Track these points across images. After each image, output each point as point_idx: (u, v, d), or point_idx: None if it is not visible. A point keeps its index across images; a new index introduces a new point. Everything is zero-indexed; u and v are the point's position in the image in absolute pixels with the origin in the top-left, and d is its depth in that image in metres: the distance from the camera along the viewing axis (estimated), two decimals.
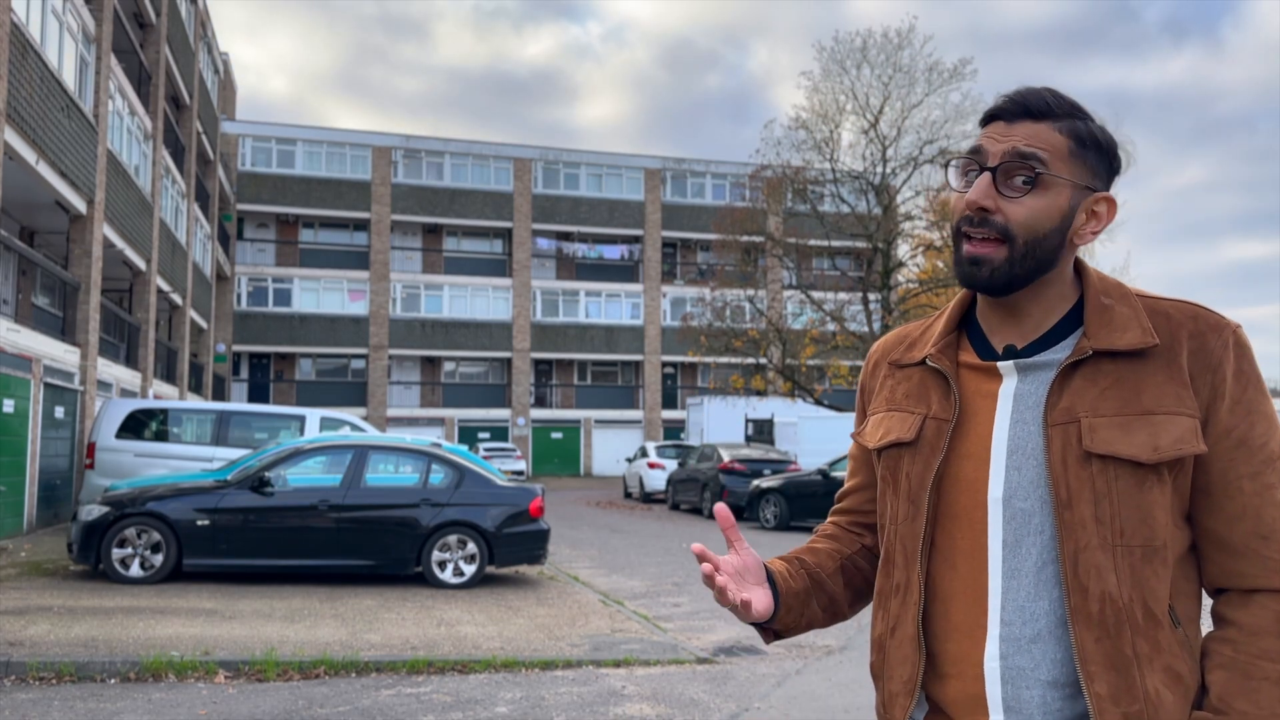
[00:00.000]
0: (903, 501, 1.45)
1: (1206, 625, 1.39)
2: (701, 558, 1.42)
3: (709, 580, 1.41)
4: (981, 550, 1.37)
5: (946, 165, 1.46)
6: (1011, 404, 1.39)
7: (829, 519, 1.72)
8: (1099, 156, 1.40)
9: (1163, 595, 1.31)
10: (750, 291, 30.53)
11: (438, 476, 10.58)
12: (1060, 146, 1.38)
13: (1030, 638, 1.33)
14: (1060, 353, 1.39)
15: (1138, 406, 1.32)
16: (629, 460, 29.50)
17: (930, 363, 1.48)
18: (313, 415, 16.64)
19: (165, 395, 24.20)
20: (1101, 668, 1.29)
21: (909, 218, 28.25)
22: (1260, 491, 1.32)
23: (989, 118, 1.43)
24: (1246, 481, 1.32)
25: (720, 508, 1.47)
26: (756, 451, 22.16)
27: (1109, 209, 1.42)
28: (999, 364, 1.42)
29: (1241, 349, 1.36)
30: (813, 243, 31.71)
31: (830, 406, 28.55)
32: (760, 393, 30.35)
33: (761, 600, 1.46)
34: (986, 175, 1.37)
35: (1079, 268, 1.45)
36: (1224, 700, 1.29)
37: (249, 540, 9.94)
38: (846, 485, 1.69)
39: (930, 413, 1.45)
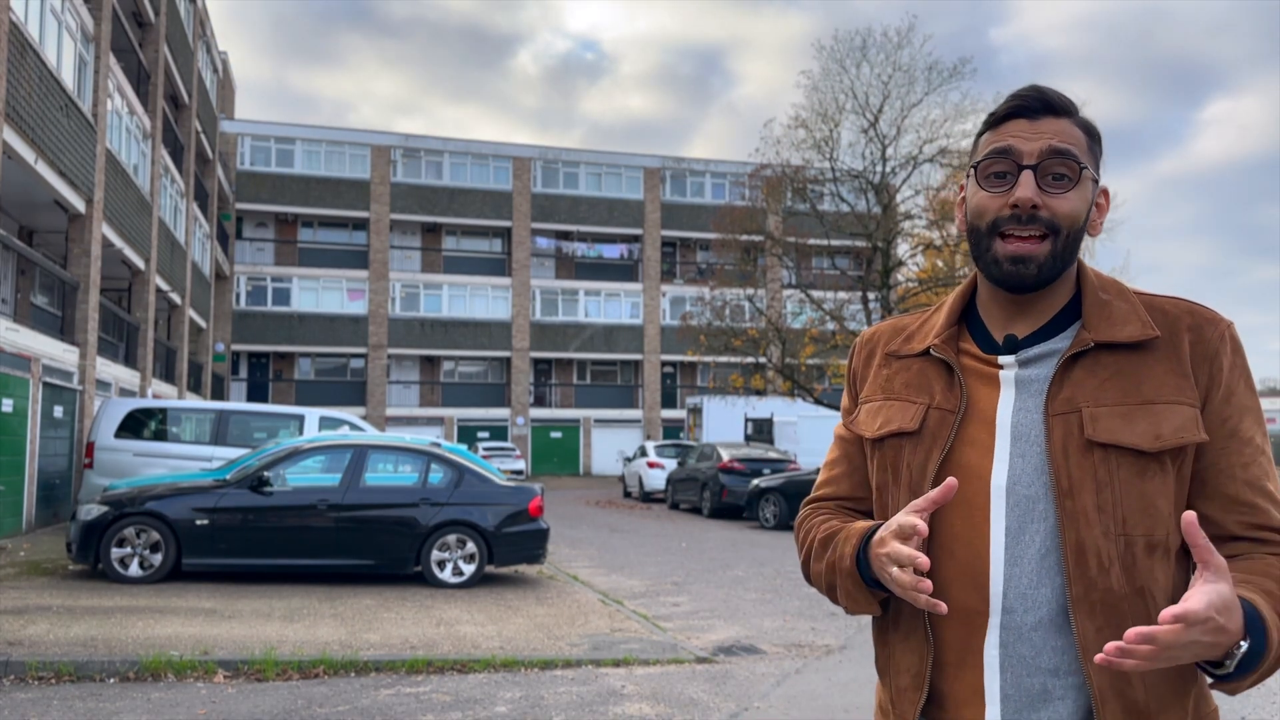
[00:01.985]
0: (904, 492, 1.45)
1: None
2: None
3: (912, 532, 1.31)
4: (981, 537, 1.37)
5: (974, 167, 1.44)
6: (1014, 392, 1.40)
7: (807, 508, 1.63)
8: (1098, 149, 1.45)
9: (1166, 586, 1.32)
10: (750, 291, 30.49)
11: (437, 476, 10.58)
12: (1082, 141, 1.41)
13: (1032, 625, 1.33)
14: (1060, 343, 1.40)
15: (1138, 396, 1.34)
16: (627, 459, 29.49)
17: (935, 353, 1.48)
18: (312, 415, 16.64)
19: (164, 394, 24.19)
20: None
21: (909, 217, 28.21)
22: (1252, 481, 1.34)
23: (1006, 116, 1.43)
24: (1239, 470, 1.34)
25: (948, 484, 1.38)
26: (756, 451, 22.15)
27: (1108, 200, 1.48)
28: (1001, 355, 1.44)
29: (1235, 344, 1.39)
30: (812, 242, 31.68)
31: (830, 405, 28.51)
32: (760, 392, 30.34)
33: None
34: (1029, 172, 1.38)
35: (1078, 262, 1.48)
36: (1248, 581, 1.28)
37: (248, 540, 9.93)
38: (827, 475, 1.62)
39: (934, 403, 1.45)
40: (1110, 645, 1.16)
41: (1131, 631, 1.14)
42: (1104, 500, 1.31)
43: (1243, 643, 1.18)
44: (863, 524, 1.47)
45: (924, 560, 1.27)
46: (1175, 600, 1.32)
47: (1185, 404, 1.34)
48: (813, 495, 1.64)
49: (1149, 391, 1.34)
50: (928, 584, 1.27)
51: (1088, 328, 1.39)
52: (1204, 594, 1.15)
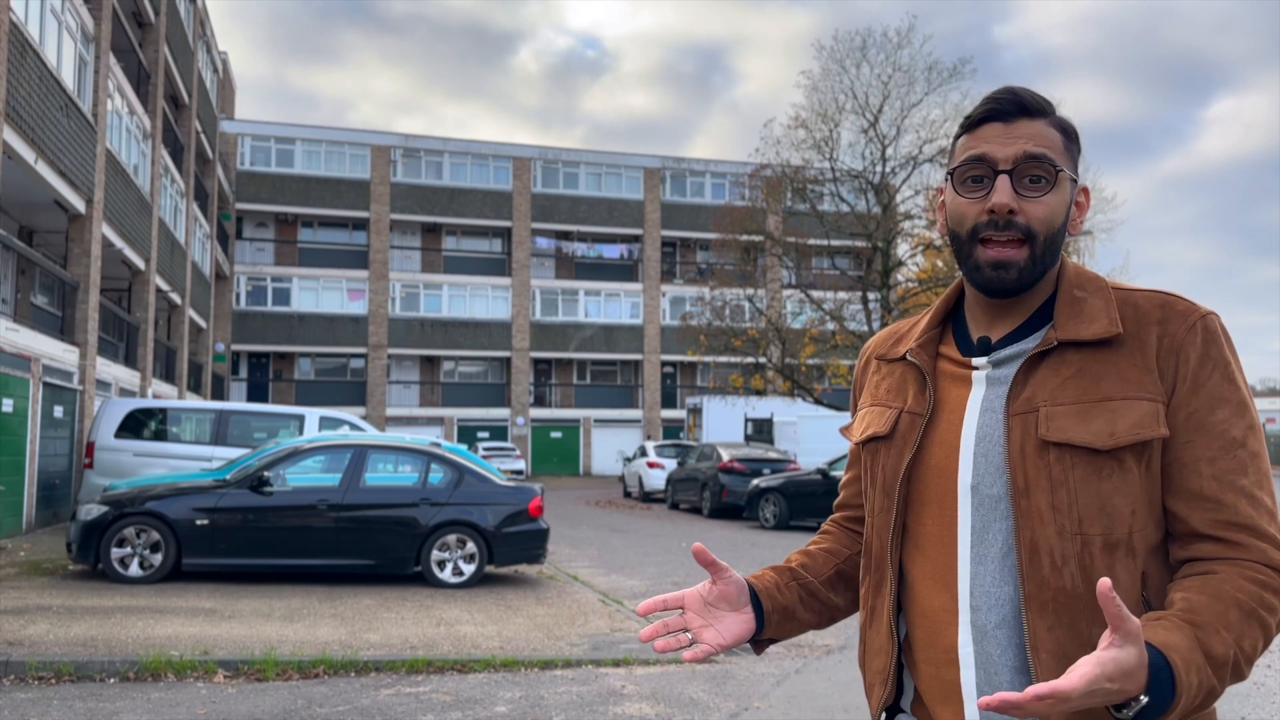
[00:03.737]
0: (879, 494, 1.49)
1: None
2: (649, 610, 1.46)
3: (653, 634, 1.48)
4: (951, 536, 1.39)
5: (950, 174, 1.44)
6: (983, 393, 1.41)
7: (831, 516, 1.75)
8: (1076, 147, 1.45)
9: (1128, 585, 1.30)
10: (750, 291, 30.50)
11: (437, 476, 10.58)
12: (1057, 142, 1.41)
13: (996, 623, 1.34)
14: (1030, 343, 1.41)
15: (1096, 394, 1.33)
16: (627, 459, 29.48)
17: (910, 358, 1.51)
18: (312, 415, 16.64)
19: (164, 395, 24.19)
20: (1051, 656, 1.29)
21: (908, 217, 28.20)
22: (1219, 476, 1.31)
23: (981, 119, 1.42)
24: (1205, 465, 1.31)
25: (697, 546, 1.47)
26: (756, 451, 22.14)
27: (1088, 198, 1.47)
28: (974, 357, 1.45)
29: (1210, 334, 1.35)
30: (812, 242, 31.68)
31: (829, 406, 28.54)
32: (759, 392, 30.34)
33: (729, 632, 1.50)
34: (1005, 178, 1.37)
35: (1060, 261, 1.47)
36: (1192, 611, 1.23)
37: (248, 540, 9.94)
38: (843, 480, 1.72)
39: (906, 407, 1.49)
40: (981, 700, 1.11)
41: (996, 696, 1.09)
42: (1059, 499, 1.31)
43: (1142, 697, 1.13)
44: (772, 569, 1.62)
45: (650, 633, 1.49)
46: (1149, 600, 1.32)
47: (1145, 399, 1.31)
48: (835, 501, 1.75)
49: (1108, 389, 1.33)
50: (662, 644, 1.47)
51: (1056, 326, 1.38)
52: (1093, 665, 1.10)
